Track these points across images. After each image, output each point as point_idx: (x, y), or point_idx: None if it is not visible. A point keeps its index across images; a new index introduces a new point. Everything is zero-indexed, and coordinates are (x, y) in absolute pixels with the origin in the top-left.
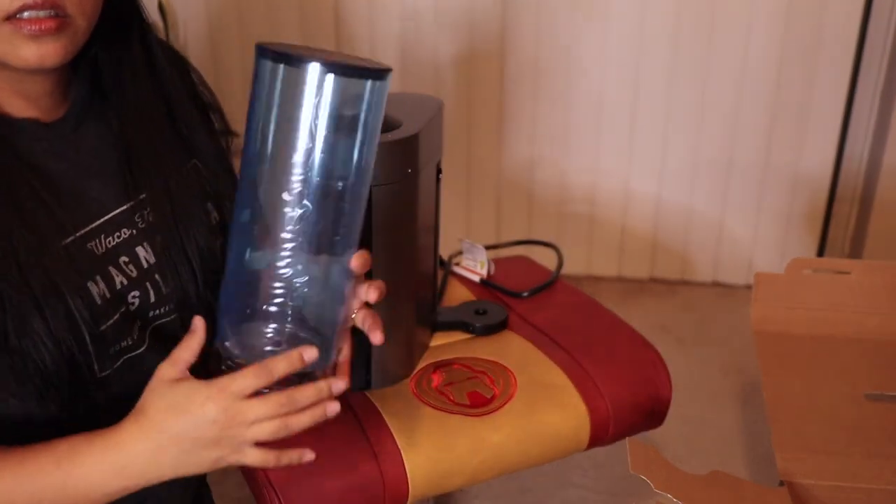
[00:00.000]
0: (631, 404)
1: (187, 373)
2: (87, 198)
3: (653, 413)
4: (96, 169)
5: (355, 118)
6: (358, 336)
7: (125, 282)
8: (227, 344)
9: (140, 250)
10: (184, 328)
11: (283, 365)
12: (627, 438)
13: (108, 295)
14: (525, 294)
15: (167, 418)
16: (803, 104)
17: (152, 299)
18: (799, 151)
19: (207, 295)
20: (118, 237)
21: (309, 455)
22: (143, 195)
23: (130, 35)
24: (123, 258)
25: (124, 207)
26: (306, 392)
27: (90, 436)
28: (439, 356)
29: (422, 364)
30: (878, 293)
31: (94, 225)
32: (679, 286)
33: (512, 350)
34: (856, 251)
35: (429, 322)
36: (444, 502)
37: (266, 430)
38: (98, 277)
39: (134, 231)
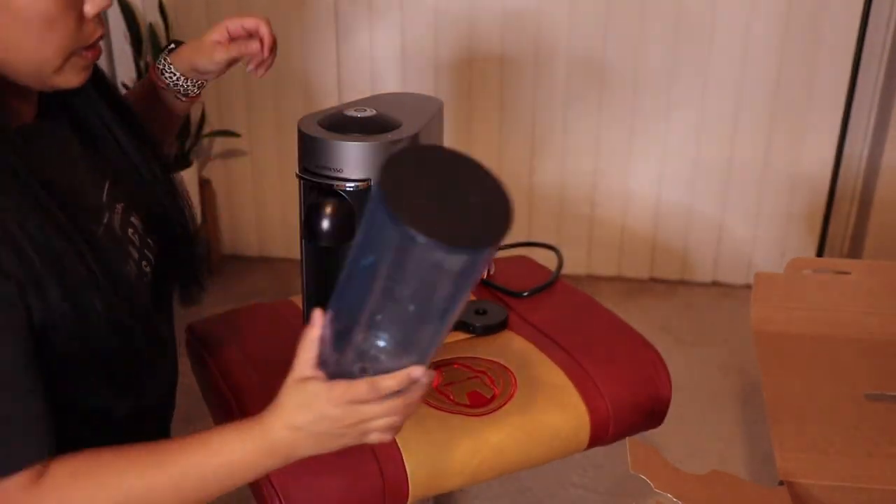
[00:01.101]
0: (631, 404)
1: (316, 370)
2: (87, 184)
3: (653, 413)
4: (74, 159)
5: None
6: None
7: (137, 254)
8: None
9: (133, 219)
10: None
11: (392, 383)
12: (627, 438)
13: (135, 270)
14: (525, 294)
15: (298, 414)
16: (803, 104)
17: (153, 264)
18: (798, 151)
19: (186, 237)
20: (118, 211)
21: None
22: (108, 177)
23: None
24: (130, 229)
25: (107, 186)
26: (414, 394)
27: (237, 425)
28: (439, 356)
29: None
30: (877, 293)
31: (105, 207)
32: (679, 286)
33: (512, 350)
34: (855, 251)
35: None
36: (444, 502)
37: (381, 426)
38: (126, 255)
39: (124, 203)
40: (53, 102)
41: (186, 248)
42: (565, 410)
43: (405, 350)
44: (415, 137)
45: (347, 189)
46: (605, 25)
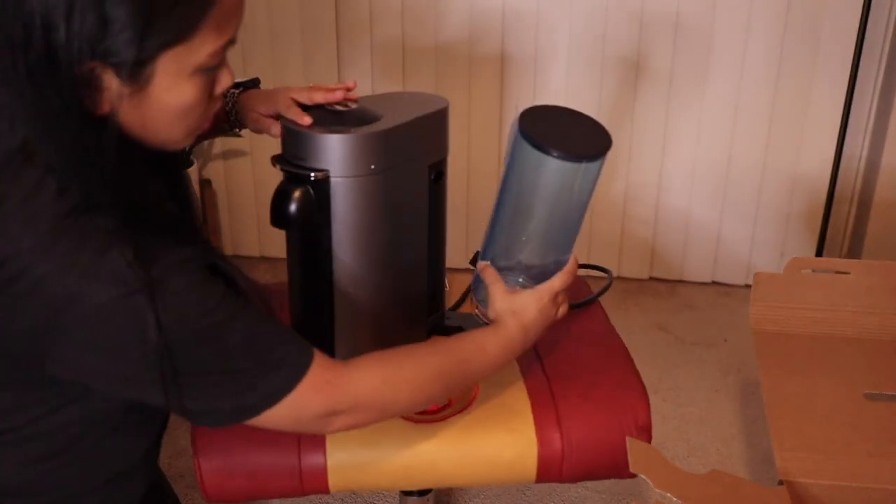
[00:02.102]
0: (592, 446)
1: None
2: None
3: (622, 462)
4: None
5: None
6: (325, 316)
7: None
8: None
9: None
10: None
11: (575, 267)
12: (627, 438)
13: None
14: None
15: (522, 313)
16: (802, 104)
17: None
18: (798, 152)
19: None
20: None
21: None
22: None
23: None
24: None
25: None
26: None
27: (486, 331)
28: None
29: None
30: (876, 293)
31: None
32: (678, 286)
33: None
34: (854, 251)
35: (417, 322)
36: (444, 502)
37: (565, 308)
38: None
39: None
40: None
41: None
42: (511, 435)
43: (551, 253)
44: (379, 135)
45: (311, 179)
46: (605, 26)
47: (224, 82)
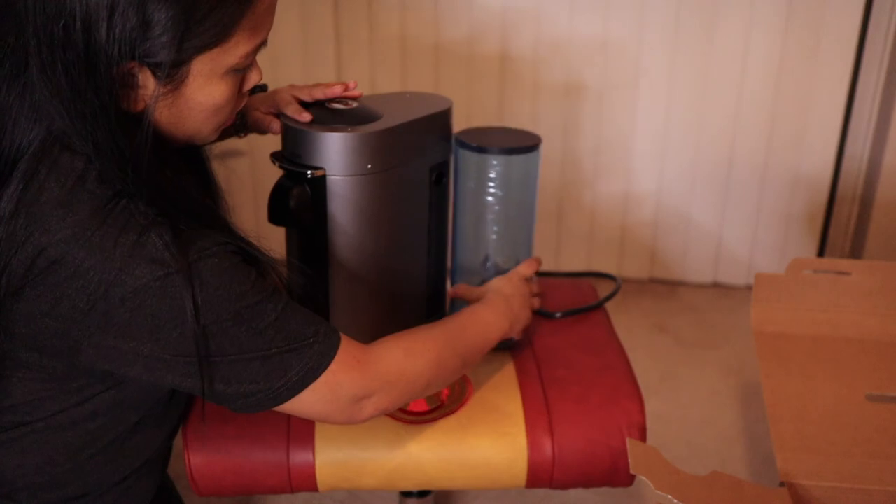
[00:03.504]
0: (584, 452)
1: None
2: None
3: (614, 470)
4: None
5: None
6: (322, 315)
7: None
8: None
9: None
10: None
11: (537, 260)
12: (627, 439)
13: None
14: (558, 315)
15: (503, 289)
16: (803, 104)
17: None
18: (799, 152)
19: None
20: None
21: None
22: None
23: None
24: None
25: None
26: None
27: (481, 304)
28: None
29: None
30: (878, 293)
31: None
32: (679, 287)
33: (491, 368)
34: (856, 252)
35: (416, 322)
36: (443, 502)
37: (537, 302)
38: None
39: None
40: None
41: None
42: (502, 440)
43: (514, 251)
44: (374, 135)
45: (308, 176)
46: (605, 25)
47: (253, 80)
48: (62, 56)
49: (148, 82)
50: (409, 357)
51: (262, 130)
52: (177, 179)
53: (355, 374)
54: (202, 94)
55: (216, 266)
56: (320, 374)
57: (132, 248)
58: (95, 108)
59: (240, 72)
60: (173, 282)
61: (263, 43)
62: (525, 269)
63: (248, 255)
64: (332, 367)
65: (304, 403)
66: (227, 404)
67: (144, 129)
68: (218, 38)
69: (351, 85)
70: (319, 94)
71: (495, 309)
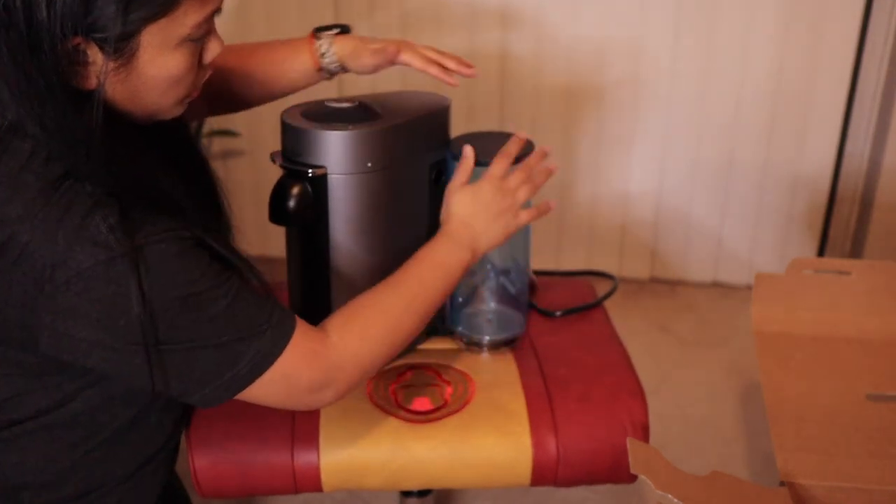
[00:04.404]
0: (587, 450)
1: (466, 183)
2: None
3: (617, 467)
4: None
5: None
6: (323, 314)
7: None
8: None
9: None
10: None
11: (513, 147)
12: (628, 438)
13: None
14: (558, 314)
15: (464, 209)
16: (803, 104)
17: None
18: (799, 151)
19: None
20: None
21: (553, 203)
22: None
23: None
24: None
25: None
26: (533, 159)
27: (434, 238)
28: (423, 359)
29: (399, 362)
30: (878, 293)
31: None
32: (679, 286)
33: (493, 367)
34: (856, 251)
35: None
36: (444, 502)
37: (525, 192)
38: None
39: None
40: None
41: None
42: (506, 438)
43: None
44: (375, 133)
45: (308, 175)
46: (605, 25)
47: (213, 50)
48: (5, 37)
49: (96, 58)
50: (364, 341)
51: (378, 66)
52: (135, 160)
53: (311, 364)
54: (155, 66)
55: (163, 252)
56: (271, 364)
57: (76, 230)
58: (42, 88)
59: (196, 41)
60: (117, 266)
61: (217, 11)
62: (498, 166)
63: (206, 243)
64: (287, 354)
65: (261, 391)
66: (187, 399)
67: (95, 106)
68: (165, 7)
69: (469, 70)
70: (434, 55)
71: (452, 242)
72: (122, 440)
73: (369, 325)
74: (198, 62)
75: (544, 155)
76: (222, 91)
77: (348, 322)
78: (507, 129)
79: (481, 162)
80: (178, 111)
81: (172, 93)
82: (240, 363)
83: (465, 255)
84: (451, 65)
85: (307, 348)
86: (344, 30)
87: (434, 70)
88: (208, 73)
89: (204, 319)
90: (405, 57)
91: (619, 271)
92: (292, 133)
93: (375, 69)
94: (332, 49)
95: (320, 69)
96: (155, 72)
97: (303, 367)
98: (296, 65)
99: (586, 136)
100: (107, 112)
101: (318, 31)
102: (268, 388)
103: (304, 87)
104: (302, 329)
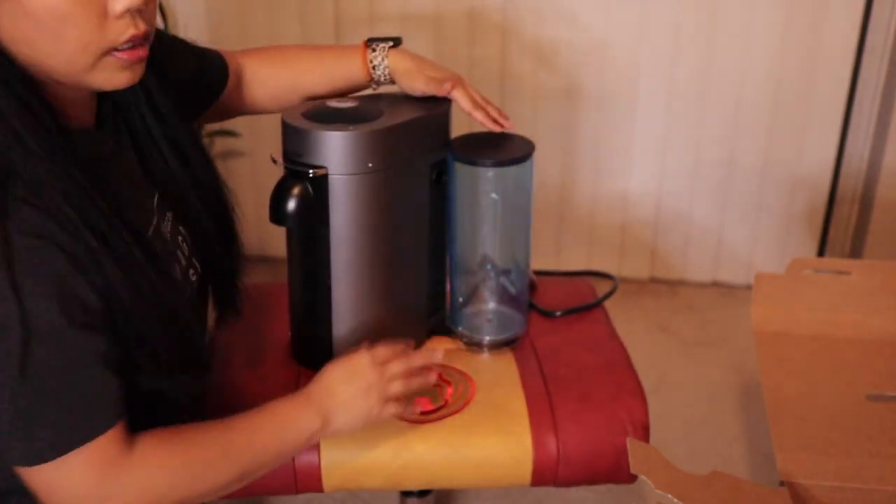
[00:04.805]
0: (588, 450)
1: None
2: (137, 189)
3: (617, 467)
4: (127, 167)
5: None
6: (324, 316)
7: (184, 261)
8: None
9: (182, 230)
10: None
11: (416, 358)
12: (628, 438)
13: (181, 275)
14: (558, 314)
15: (333, 375)
16: (803, 104)
17: (199, 275)
18: (799, 151)
19: (228, 263)
20: (168, 219)
21: (420, 407)
22: (158, 190)
23: None
24: (179, 237)
25: (157, 195)
26: (417, 358)
27: (281, 406)
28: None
29: None
30: (878, 293)
31: (155, 213)
32: (679, 286)
33: (494, 367)
34: (856, 251)
35: (418, 322)
36: (444, 502)
37: (399, 387)
38: (174, 259)
39: (173, 213)
40: (111, 113)
41: (227, 277)
42: (507, 438)
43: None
44: (375, 133)
45: (309, 175)
46: (605, 25)
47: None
48: None
49: None
50: (163, 470)
51: (432, 92)
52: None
53: (97, 477)
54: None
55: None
56: (55, 458)
57: None
58: None
59: None
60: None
61: None
62: (385, 351)
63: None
64: (72, 457)
65: (31, 479)
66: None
67: None
68: None
69: (506, 124)
70: (479, 117)
71: (307, 404)
72: None
73: (177, 454)
74: (101, 10)
75: (430, 361)
76: (264, 95)
77: (161, 444)
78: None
79: (481, 163)
80: (111, 78)
81: (65, 37)
82: (27, 442)
83: (314, 422)
84: (493, 113)
85: (102, 458)
86: (396, 42)
87: (480, 115)
88: (131, 32)
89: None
90: (456, 94)
91: (619, 271)
92: (293, 133)
93: (423, 95)
94: (385, 62)
95: (371, 80)
96: (38, 5)
97: (84, 474)
98: (346, 72)
99: (586, 136)
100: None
101: (371, 41)
102: (38, 479)
103: (347, 94)
104: (109, 436)
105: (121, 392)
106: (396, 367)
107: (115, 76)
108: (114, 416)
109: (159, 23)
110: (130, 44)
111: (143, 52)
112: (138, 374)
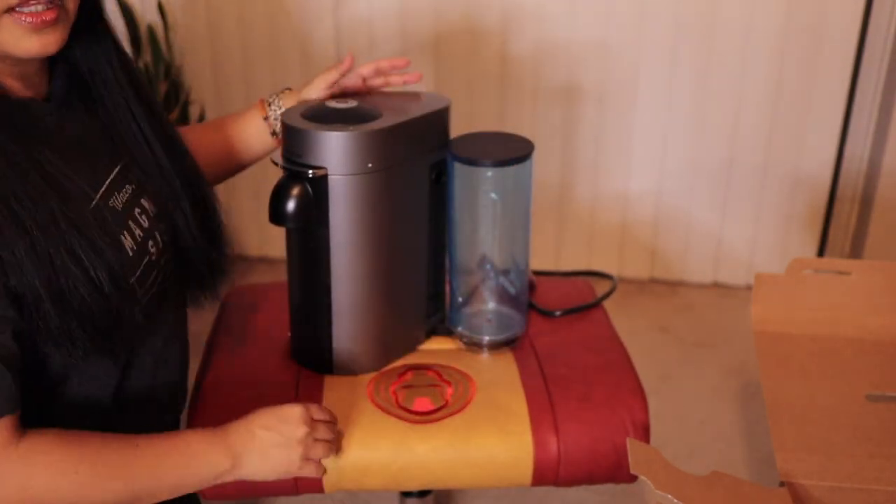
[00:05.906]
0: (588, 450)
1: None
2: (90, 162)
3: (618, 467)
4: (84, 139)
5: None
6: (323, 316)
7: (142, 233)
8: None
9: (144, 202)
10: (179, 279)
11: (324, 415)
12: (628, 438)
13: (135, 247)
14: (558, 314)
15: (258, 417)
16: (803, 104)
17: (161, 247)
18: (799, 151)
19: (199, 236)
20: (126, 192)
21: (322, 470)
22: (124, 160)
23: (97, 25)
24: (136, 209)
25: (117, 168)
26: (335, 429)
27: (193, 436)
28: (423, 359)
29: (399, 363)
30: (878, 293)
31: (107, 184)
32: (679, 287)
33: (493, 367)
34: (856, 251)
35: (417, 322)
36: (443, 502)
37: (322, 449)
38: (125, 231)
39: (134, 185)
40: (76, 87)
41: (199, 260)
42: (508, 437)
43: (511, 251)
44: (375, 133)
45: (309, 176)
46: (605, 25)
47: None
48: None
49: None
50: (47, 471)
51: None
52: None
53: None
54: None
55: None
56: None
57: None
58: None
59: None
60: None
61: None
62: (320, 411)
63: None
64: None
65: None
66: None
67: None
68: None
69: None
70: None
71: (221, 441)
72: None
73: (68, 459)
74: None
75: (335, 428)
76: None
77: (54, 445)
78: (507, 129)
79: (481, 163)
80: (16, 42)
81: None
82: None
83: (223, 462)
84: (385, 66)
85: None
86: (288, 89)
87: (381, 80)
88: (24, 18)
89: None
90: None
91: (618, 271)
92: (292, 133)
93: (330, 85)
94: (281, 105)
95: (273, 132)
96: None
97: None
98: (251, 130)
99: (586, 135)
100: None
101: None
102: None
103: (263, 156)
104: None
105: (15, 386)
106: (326, 431)
107: (21, 40)
108: (3, 407)
109: (158, 23)
110: (31, 6)
111: (47, 16)
112: (48, 343)
